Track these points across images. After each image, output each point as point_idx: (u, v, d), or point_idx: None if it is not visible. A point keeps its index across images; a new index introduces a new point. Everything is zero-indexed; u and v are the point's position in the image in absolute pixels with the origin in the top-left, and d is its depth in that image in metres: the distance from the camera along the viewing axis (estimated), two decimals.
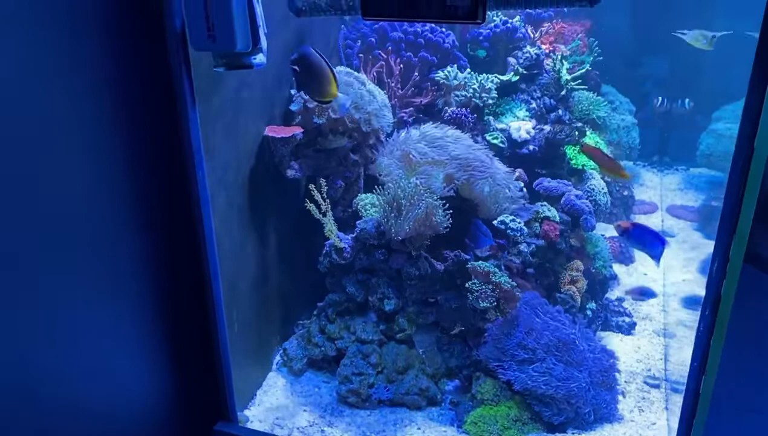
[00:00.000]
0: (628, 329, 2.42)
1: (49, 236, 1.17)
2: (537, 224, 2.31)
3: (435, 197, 1.99)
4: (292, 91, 2.12)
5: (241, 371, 1.93)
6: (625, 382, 2.14)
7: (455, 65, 2.53)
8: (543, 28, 2.93)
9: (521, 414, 1.92)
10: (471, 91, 2.54)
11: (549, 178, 2.49)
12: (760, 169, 1.13)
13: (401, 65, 2.44)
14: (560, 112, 2.75)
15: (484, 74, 2.60)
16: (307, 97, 2.04)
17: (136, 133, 1.35)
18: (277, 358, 2.25)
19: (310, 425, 1.97)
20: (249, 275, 1.99)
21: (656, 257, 2.16)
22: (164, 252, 1.51)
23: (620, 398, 2.05)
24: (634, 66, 3.73)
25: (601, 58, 3.12)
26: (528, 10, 2.87)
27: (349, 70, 2.24)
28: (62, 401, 1.26)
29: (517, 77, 2.72)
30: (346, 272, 2.17)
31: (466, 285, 2.05)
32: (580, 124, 2.74)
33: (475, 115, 2.55)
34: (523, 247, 2.25)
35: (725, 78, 3.01)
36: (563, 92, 2.79)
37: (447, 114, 2.49)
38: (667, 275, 2.78)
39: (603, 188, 2.67)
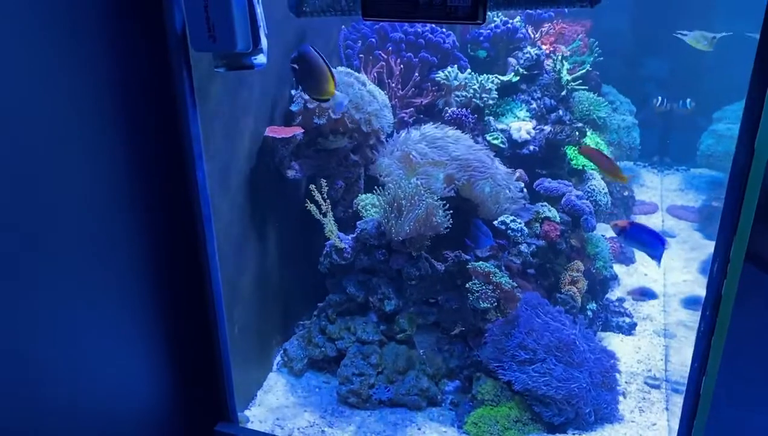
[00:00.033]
0: (629, 330, 2.42)
1: (49, 237, 1.17)
2: (537, 225, 2.31)
3: (435, 198, 1.99)
4: (293, 92, 2.12)
5: (242, 371, 1.93)
6: (626, 382, 2.14)
7: (456, 66, 2.53)
8: (543, 29, 2.93)
9: (522, 415, 1.92)
10: (471, 91, 2.54)
11: (549, 179, 2.49)
12: (760, 169, 1.13)
13: (401, 66, 2.44)
14: (561, 112, 2.75)
15: (485, 75, 2.60)
16: (307, 97, 2.04)
17: (136, 133, 1.36)
18: (278, 358, 2.25)
19: (311, 426, 1.97)
20: (249, 275, 1.99)
21: (656, 257, 2.16)
22: (164, 253, 1.51)
23: (621, 398, 2.05)
24: (634, 66, 3.73)
25: (602, 58, 3.13)
26: (528, 11, 2.87)
27: (349, 70, 2.24)
28: (62, 401, 1.26)
29: (518, 78, 2.72)
30: (347, 272, 2.17)
31: (467, 286, 2.05)
32: (580, 125, 2.74)
33: (476, 115, 2.55)
34: (523, 247, 2.25)
35: (726, 78, 3.01)
36: (564, 93, 2.79)
37: (447, 114, 2.49)
38: (668, 275, 2.78)
39: (603, 189, 2.67)
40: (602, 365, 2.02)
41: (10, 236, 1.08)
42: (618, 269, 2.77)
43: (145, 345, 1.50)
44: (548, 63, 2.80)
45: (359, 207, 2.22)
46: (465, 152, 2.11)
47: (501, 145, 2.53)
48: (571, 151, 2.65)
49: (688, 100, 3.19)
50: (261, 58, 1.45)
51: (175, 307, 1.58)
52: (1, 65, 1.03)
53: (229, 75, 1.56)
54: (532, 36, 2.90)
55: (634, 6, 3.66)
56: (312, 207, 2.04)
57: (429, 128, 2.20)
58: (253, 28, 1.38)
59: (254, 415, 2.00)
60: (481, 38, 2.75)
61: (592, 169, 2.67)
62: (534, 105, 2.71)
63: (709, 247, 1.29)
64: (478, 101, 2.55)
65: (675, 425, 1.54)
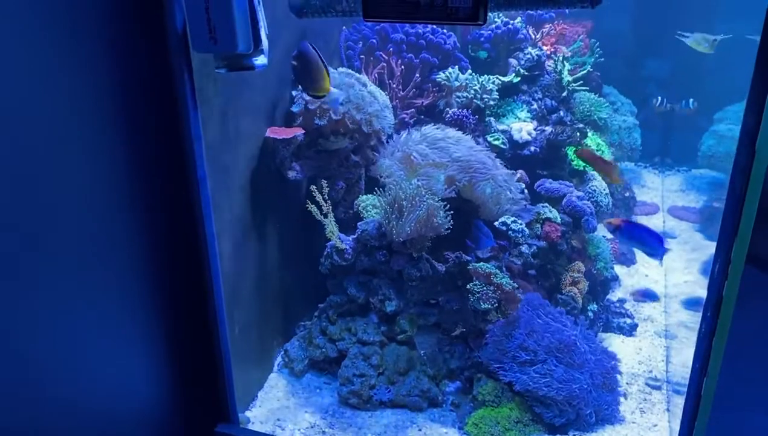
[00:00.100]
0: (630, 331, 2.41)
1: (49, 237, 1.17)
2: (538, 226, 2.31)
3: (436, 199, 1.99)
4: (294, 93, 2.12)
5: (242, 372, 1.93)
6: (627, 383, 2.14)
7: (456, 66, 2.53)
8: (544, 30, 2.93)
9: (522, 416, 1.92)
10: (472, 92, 2.54)
11: (550, 180, 2.49)
12: (761, 170, 1.13)
13: (402, 66, 2.44)
14: (562, 113, 2.75)
15: (486, 75, 2.60)
16: (308, 98, 2.05)
17: (137, 134, 1.36)
18: (278, 359, 2.25)
19: (311, 427, 1.97)
20: (250, 276, 1.99)
21: (655, 255, 2.16)
22: (165, 253, 1.51)
23: (622, 399, 2.04)
24: (635, 67, 3.73)
25: (603, 59, 3.13)
26: (529, 12, 2.87)
27: (350, 71, 2.24)
28: (62, 401, 1.26)
29: (519, 78, 2.72)
30: (348, 273, 2.17)
31: (468, 287, 2.05)
32: (581, 126, 2.74)
33: (477, 116, 2.55)
34: (524, 248, 2.25)
35: (727, 79, 3.02)
36: (565, 93, 2.79)
37: (448, 115, 2.49)
38: (669, 276, 2.78)
39: (604, 189, 2.67)
40: (603, 366, 2.02)
41: (10, 236, 1.08)
42: (619, 269, 2.77)
43: (145, 345, 1.50)
44: (549, 64, 2.80)
45: (360, 208, 2.22)
46: (466, 153, 2.11)
47: (502, 146, 2.53)
48: (572, 152, 2.65)
49: (691, 100, 3.19)
50: (262, 59, 1.45)
51: (176, 307, 1.58)
52: (1, 65, 1.03)
53: (230, 76, 1.56)
54: (533, 37, 2.90)
55: (635, 7, 3.67)
56: (313, 208, 2.04)
57: (430, 129, 2.20)
58: (254, 29, 1.38)
59: (255, 416, 2.00)
60: (482, 39, 2.75)
61: (593, 171, 2.67)
62: (535, 106, 2.71)
63: (710, 248, 1.29)
64: (479, 102, 2.55)
65: (676, 426, 1.54)
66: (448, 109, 2.52)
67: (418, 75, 2.45)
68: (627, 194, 3.23)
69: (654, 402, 2.06)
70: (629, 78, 3.68)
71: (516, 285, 2.05)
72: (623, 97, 3.60)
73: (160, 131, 1.43)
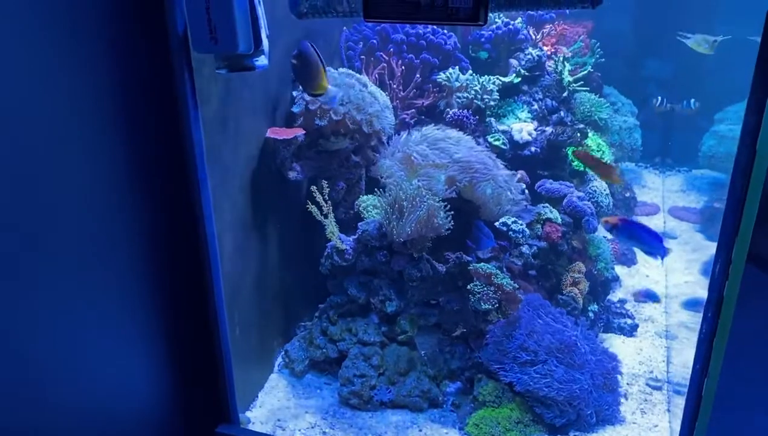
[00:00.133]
0: (630, 331, 2.41)
1: (49, 237, 1.17)
2: (539, 226, 2.31)
3: (437, 199, 1.99)
4: (294, 93, 2.12)
5: (243, 372, 1.93)
6: (627, 384, 2.13)
7: (457, 67, 2.53)
8: (545, 30, 2.93)
9: (523, 416, 1.92)
10: (473, 92, 2.54)
11: (551, 180, 2.49)
12: (762, 170, 1.13)
13: (403, 67, 2.44)
14: (562, 113, 2.75)
15: (486, 76, 2.60)
16: (309, 99, 2.05)
17: (137, 134, 1.36)
18: (279, 360, 2.25)
19: (312, 427, 1.97)
20: (250, 276, 1.99)
21: (653, 254, 2.15)
22: (166, 253, 1.51)
23: (622, 400, 2.04)
24: (636, 68, 3.74)
25: (603, 59, 3.13)
26: (530, 12, 2.87)
27: (350, 71, 2.24)
28: (62, 402, 1.26)
29: (519, 79, 2.72)
30: (348, 273, 2.17)
31: (468, 287, 2.05)
32: (582, 126, 2.74)
33: (477, 116, 2.55)
34: (524, 249, 2.25)
35: (727, 80, 3.02)
36: (565, 94, 2.79)
37: (449, 116, 2.49)
38: (670, 276, 2.78)
39: (605, 190, 2.67)
40: (604, 367, 2.02)
41: (10, 236, 1.08)
42: (619, 270, 2.77)
43: (145, 346, 1.50)
44: (550, 64, 2.80)
45: (360, 208, 2.22)
46: (466, 154, 2.11)
47: (502, 146, 2.53)
48: (572, 153, 2.65)
49: (692, 100, 3.19)
50: (262, 60, 1.45)
51: (176, 307, 1.58)
52: (1, 65, 1.03)
53: (231, 76, 1.56)
54: (534, 37, 2.90)
55: (636, 7, 3.67)
56: (313, 208, 2.04)
57: (430, 130, 2.20)
58: (255, 29, 1.38)
59: (255, 416, 2.00)
60: (483, 39, 2.75)
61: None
62: (535, 106, 2.71)
63: (711, 248, 1.29)
64: (479, 102, 2.55)
65: (677, 426, 1.54)
66: (448, 109, 2.52)
67: (418, 75, 2.45)
68: (627, 195, 3.24)
69: (655, 403, 2.06)
70: (630, 78, 3.68)
71: (516, 286, 2.05)
72: (624, 97, 3.60)
73: (161, 131, 1.43)
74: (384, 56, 2.42)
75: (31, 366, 1.17)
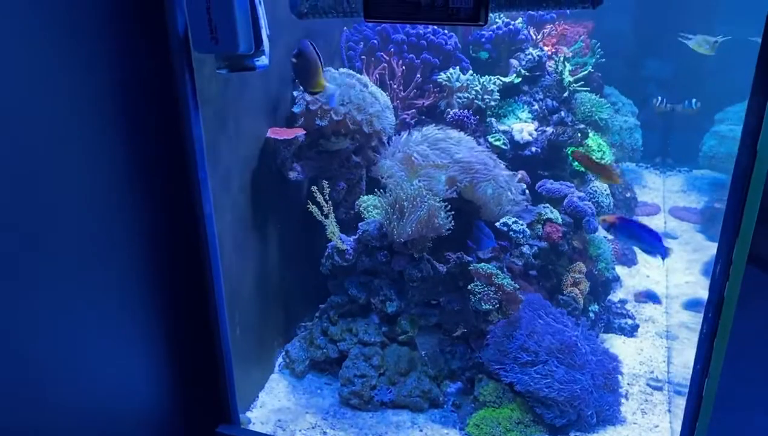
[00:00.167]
0: (631, 331, 2.41)
1: (49, 237, 1.17)
2: (539, 226, 2.31)
3: (437, 199, 1.99)
4: (295, 93, 2.12)
5: (243, 373, 1.93)
6: (628, 384, 2.13)
7: (457, 67, 2.53)
8: (545, 30, 2.93)
9: (524, 416, 1.92)
10: (473, 93, 2.54)
11: (551, 180, 2.49)
12: (763, 170, 1.13)
13: (403, 67, 2.44)
14: (563, 113, 2.75)
15: (487, 76, 2.60)
16: (309, 99, 2.05)
17: (137, 134, 1.36)
18: (279, 360, 2.25)
19: (313, 427, 1.97)
20: (251, 276, 1.99)
21: (652, 253, 2.15)
22: (166, 253, 1.51)
23: (623, 400, 2.04)
24: (636, 68, 3.74)
25: (604, 59, 3.13)
26: (530, 12, 2.87)
27: (351, 72, 2.24)
28: (62, 402, 1.26)
29: (520, 79, 2.72)
30: (349, 273, 2.17)
31: (469, 287, 2.04)
32: (582, 126, 2.74)
33: (478, 117, 2.55)
34: (525, 249, 2.25)
35: (727, 80, 3.02)
36: (566, 94, 2.79)
37: (449, 116, 2.49)
38: (670, 277, 2.78)
39: (606, 190, 2.67)
40: (604, 367, 2.02)
41: (10, 236, 1.08)
42: (620, 270, 2.77)
43: (145, 346, 1.50)
44: (550, 64, 2.80)
45: (361, 208, 2.22)
46: (467, 154, 2.11)
47: (503, 146, 2.53)
48: (570, 154, 2.65)
49: (694, 100, 3.19)
50: (263, 60, 1.45)
51: (177, 307, 1.58)
52: (1, 65, 1.03)
53: (231, 77, 1.56)
54: (534, 37, 2.90)
55: (636, 7, 3.67)
56: (314, 208, 2.04)
57: (431, 130, 2.20)
58: (255, 29, 1.38)
59: (256, 416, 2.00)
60: (483, 40, 2.75)
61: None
62: (536, 106, 2.71)
63: (712, 248, 1.29)
64: (480, 103, 2.55)
65: (677, 427, 1.54)
66: (449, 109, 2.52)
67: (419, 76, 2.45)
68: (628, 195, 3.24)
69: (655, 403, 2.06)
70: (630, 78, 3.68)
71: (517, 286, 2.05)
72: (624, 97, 3.60)
73: (161, 131, 1.43)
74: (384, 56, 2.42)
75: (31, 366, 1.17)
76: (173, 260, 1.54)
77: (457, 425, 1.98)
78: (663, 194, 3.54)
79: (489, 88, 2.56)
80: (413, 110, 2.49)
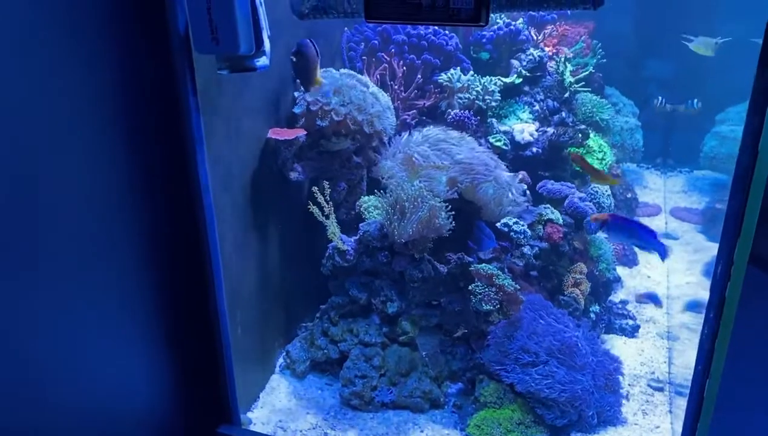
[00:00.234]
0: (632, 332, 2.41)
1: (50, 237, 1.17)
2: (540, 227, 2.30)
3: (438, 200, 1.99)
4: (296, 94, 2.12)
5: (244, 373, 1.93)
6: (629, 385, 2.13)
7: (458, 68, 2.54)
8: (546, 31, 2.93)
9: (524, 417, 1.92)
10: (474, 93, 2.54)
11: (552, 181, 2.49)
12: (764, 171, 1.13)
13: (404, 68, 2.44)
14: (563, 114, 2.75)
15: (488, 77, 2.60)
16: (310, 99, 2.05)
17: (138, 135, 1.36)
18: (280, 360, 2.25)
19: (313, 428, 1.97)
20: (252, 277, 1.99)
21: (647, 249, 2.14)
22: (167, 254, 1.51)
23: (624, 401, 2.04)
24: (637, 68, 3.73)
25: (605, 60, 3.13)
26: (531, 13, 2.87)
27: (351, 72, 2.24)
28: (62, 402, 1.26)
29: (521, 80, 2.72)
30: (349, 274, 2.17)
31: (470, 288, 2.04)
32: (583, 127, 2.74)
33: (478, 117, 2.55)
34: (526, 249, 2.25)
35: (728, 81, 3.01)
36: (566, 94, 2.79)
37: (450, 116, 2.49)
38: (671, 277, 2.77)
39: (606, 191, 2.66)
40: (605, 368, 2.02)
41: (10, 236, 1.08)
42: (621, 271, 2.76)
43: (146, 346, 1.50)
44: (551, 65, 2.80)
45: (362, 209, 2.22)
46: (468, 155, 2.11)
47: (504, 147, 2.53)
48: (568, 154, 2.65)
49: (695, 100, 3.19)
50: (264, 61, 1.45)
51: (177, 307, 1.58)
52: (1, 65, 1.03)
53: (232, 77, 1.56)
54: (535, 38, 2.90)
55: (637, 8, 3.67)
56: (315, 209, 2.04)
57: (431, 130, 2.20)
58: (256, 30, 1.38)
59: (256, 417, 2.00)
60: (484, 40, 2.75)
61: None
62: (537, 107, 2.71)
63: (713, 249, 1.29)
64: (480, 103, 2.55)
65: (678, 427, 1.54)
66: (450, 110, 2.52)
67: (419, 76, 2.45)
68: (629, 196, 3.23)
69: (656, 404, 2.06)
70: (631, 79, 3.68)
71: (518, 286, 2.05)
72: (625, 98, 3.60)
73: (162, 132, 1.43)
74: (385, 57, 2.42)
75: (31, 366, 1.17)
76: (174, 259, 1.54)
77: (458, 425, 1.98)
78: (664, 195, 3.54)
79: (490, 89, 2.56)
80: (414, 111, 2.49)
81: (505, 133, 2.59)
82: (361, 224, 2.14)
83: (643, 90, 3.69)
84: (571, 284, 2.29)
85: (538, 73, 2.76)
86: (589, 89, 2.94)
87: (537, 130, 2.59)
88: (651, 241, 2.11)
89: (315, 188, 2.06)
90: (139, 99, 1.35)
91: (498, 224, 2.20)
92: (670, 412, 2.02)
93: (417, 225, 1.97)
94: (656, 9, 3.59)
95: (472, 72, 2.59)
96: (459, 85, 2.50)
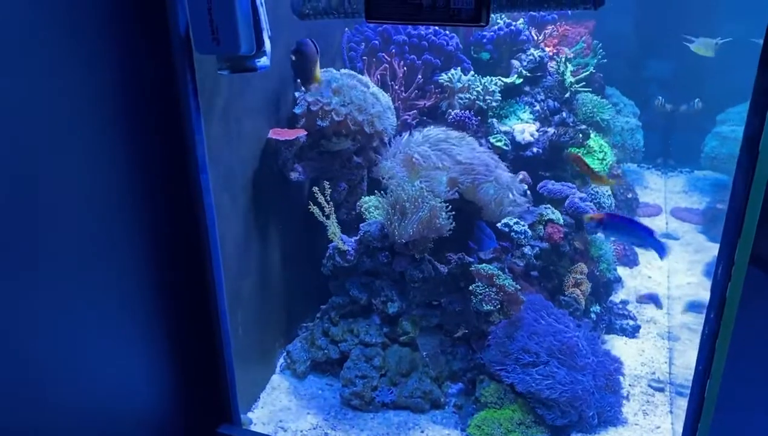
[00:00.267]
0: (633, 332, 2.41)
1: (50, 237, 1.17)
2: (541, 227, 2.30)
3: (439, 200, 1.99)
4: (296, 94, 2.12)
5: (245, 373, 1.93)
6: (630, 385, 2.13)
7: (459, 68, 2.53)
8: (547, 31, 2.93)
9: (525, 417, 1.92)
10: (475, 93, 2.54)
11: (553, 181, 2.49)
12: (765, 171, 1.13)
13: (405, 68, 2.44)
14: (564, 114, 2.75)
15: (488, 77, 2.60)
16: (310, 99, 2.05)
17: (138, 135, 1.36)
18: (281, 360, 2.25)
19: (314, 428, 1.97)
20: (252, 277, 1.99)
21: (644, 246, 2.14)
22: (168, 255, 1.51)
23: (624, 401, 2.04)
24: (638, 68, 3.73)
25: (605, 60, 3.13)
26: (532, 13, 2.87)
27: (352, 72, 2.24)
28: (62, 402, 1.26)
29: (521, 80, 2.71)
30: (350, 274, 2.17)
31: (470, 288, 2.04)
32: (584, 127, 2.74)
33: (479, 117, 2.55)
34: (526, 250, 2.25)
35: (728, 81, 3.02)
36: (567, 95, 2.79)
37: (451, 117, 2.49)
38: (672, 278, 2.77)
39: (607, 191, 2.66)
40: (606, 368, 2.02)
41: (10, 236, 1.08)
42: (621, 271, 2.76)
43: (146, 346, 1.50)
44: (552, 65, 2.80)
45: (362, 209, 2.22)
46: (468, 155, 2.11)
47: (504, 147, 2.53)
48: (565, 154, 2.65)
49: (697, 100, 3.20)
50: (264, 61, 1.45)
51: (178, 307, 1.58)
52: (1, 65, 1.03)
53: (233, 77, 1.56)
54: (536, 38, 2.90)
55: (638, 8, 3.67)
56: (315, 209, 2.04)
57: (432, 130, 2.20)
58: (257, 30, 1.38)
59: (257, 417, 2.00)
60: (485, 40, 2.75)
61: (596, 171, 2.67)
62: (537, 107, 2.71)
63: (713, 249, 1.29)
64: (481, 103, 2.55)
65: (679, 428, 1.54)
66: (450, 110, 2.52)
67: (420, 76, 2.45)
68: (630, 196, 3.23)
69: (657, 404, 2.06)
70: (632, 79, 3.68)
71: (518, 287, 2.05)
72: (626, 98, 3.60)
73: (163, 132, 1.43)
74: (386, 57, 2.42)
75: (31, 366, 1.17)
76: (174, 260, 1.54)
77: (458, 426, 1.98)
78: (665, 195, 3.54)
79: (490, 89, 2.56)
80: (414, 111, 2.49)
81: (505, 133, 2.59)
82: (361, 224, 2.14)
83: (644, 90, 3.69)
84: (571, 285, 2.29)
85: (539, 74, 2.76)
86: (590, 89, 2.94)
87: (538, 131, 2.59)
88: (648, 238, 2.11)
89: (315, 188, 2.06)
90: (139, 99, 1.35)
91: (498, 224, 2.20)
92: (671, 412, 2.02)
93: (417, 225, 1.97)
94: (657, 9, 3.59)
95: (472, 72, 2.59)
96: (459, 85, 2.50)
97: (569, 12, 2.94)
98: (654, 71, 3.74)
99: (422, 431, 1.96)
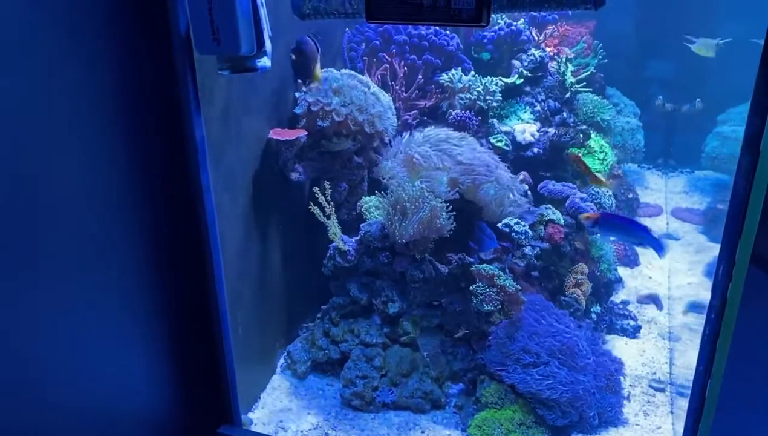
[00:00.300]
0: (633, 333, 2.41)
1: (50, 237, 1.17)
2: (541, 227, 2.30)
3: (439, 200, 1.99)
4: (297, 94, 2.12)
5: (245, 373, 1.93)
6: (630, 386, 2.13)
7: (459, 68, 2.53)
8: (547, 31, 2.93)
9: (526, 418, 1.91)
10: (475, 93, 2.54)
11: (553, 181, 2.49)
12: (766, 171, 1.12)
13: (405, 68, 2.44)
14: (565, 114, 2.75)
15: (489, 77, 2.60)
16: (311, 100, 2.05)
17: (139, 135, 1.36)
18: (281, 361, 2.25)
19: (314, 428, 1.96)
20: (253, 277, 1.99)
21: (642, 244, 2.13)
22: (168, 255, 1.51)
23: (625, 402, 2.04)
24: (638, 69, 3.73)
25: (606, 60, 3.13)
26: (532, 13, 2.87)
27: (353, 72, 2.24)
28: (62, 402, 1.26)
29: (522, 80, 2.71)
30: (350, 274, 2.17)
31: (471, 288, 2.04)
32: (584, 127, 2.74)
33: (480, 117, 2.55)
34: (527, 250, 2.25)
35: (729, 81, 3.01)
36: (568, 95, 2.79)
37: (451, 117, 2.49)
38: (672, 278, 2.77)
39: (608, 191, 2.66)
40: (606, 368, 2.01)
41: (10, 235, 1.08)
42: (622, 271, 2.76)
43: (146, 346, 1.50)
44: (552, 65, 2.80)
45: (363, 209, 2.22)
46: (469, 155, 2.11)
47: (505, 147, 2.53)
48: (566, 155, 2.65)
49: (697, 100, 3.20)
50: (265, 61, 1.45)
51: (178, 307, 1.58)
52: (1, 65, 1.03)
53: (233, 78, 1.56)
54: (536, 38, 2.89)
55: (638, 8, 3.66)
56: (315, 209, 2.04)
57: (432, 131, 2.20)
58: (257, 30, 1.38)
59: (257, 417, 2.00)
60: (485, 40, 2.75)
61: (597, 172, 2.66)
62: (538, 107, 2.71)
63: (714, 250, 1.29)
64: (482, 103, 2.55)
65: (680, 428, 1.54)
66: (451, 110, 2.51)
67: (421, 76, 2.45)
68: (630, 196, 3.23)
69: (657, 404, 2.06)
70: (632, 79, 3.68)
71: (519, 287, 2.05)
72: (626, 98, 3.60)
73: (163, 132, 1.43)
74: (386, 57, 2.42)
75: (31, 366, 1.17)
76: (174, 260, 1.54)
77: (459, 426, 1.98)
78: (665, 195, 3.54)
79: (491, 89, 2.56)
80: (415, 111, 2.49)
81: (506, 133, 2.58)
82: (362, 225, 2.14)
83: (645, 90, 3.69)
84: (572, 285, 2.29)
85: (540, 74, 2.76)
86: (591, 90, 2.94)
87: (538, 131, 2.59)
88: (644, 236, 2.10)
89: (316, 189, 2.06)
90: (139, 99, 1.35)
91: (499, 225, 2.20)
92: (672, 413, 2.02)
93: (418, 225, 1.97)
94: (657, 9, 3.59)
95: (473, 72, 2.58)
96: (460, 85, 2.50)
97: (570, 12, 2.94)
98: (655, 71, 3.73)
99: (423, 432, 1.96)
